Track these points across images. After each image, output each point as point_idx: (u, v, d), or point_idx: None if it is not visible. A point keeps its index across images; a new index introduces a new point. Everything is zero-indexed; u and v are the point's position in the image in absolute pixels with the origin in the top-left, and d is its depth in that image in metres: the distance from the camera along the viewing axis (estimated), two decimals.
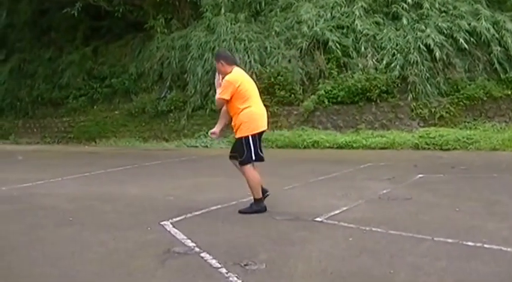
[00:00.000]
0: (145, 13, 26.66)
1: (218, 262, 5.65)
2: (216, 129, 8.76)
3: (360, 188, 10.39)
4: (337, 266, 5.49)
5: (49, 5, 30.08)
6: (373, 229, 6.91)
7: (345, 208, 8.35)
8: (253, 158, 8.29)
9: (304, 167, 14.30)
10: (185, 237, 6.69)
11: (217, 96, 8.39)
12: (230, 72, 8.38)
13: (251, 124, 8.27)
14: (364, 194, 9.61)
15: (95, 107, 27.54)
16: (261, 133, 8.48)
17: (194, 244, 6.37)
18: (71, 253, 6.24)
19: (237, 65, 8.69)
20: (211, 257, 5.83)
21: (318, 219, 7.59)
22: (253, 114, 8.30)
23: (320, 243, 6.41)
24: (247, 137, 8.24)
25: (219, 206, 8.81)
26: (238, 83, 8.21)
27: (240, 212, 8.35)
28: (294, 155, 17.13)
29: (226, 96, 8.22)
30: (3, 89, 31.77)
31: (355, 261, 5.65)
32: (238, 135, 8.36)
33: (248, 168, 8.33)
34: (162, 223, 7.56)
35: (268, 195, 8.53)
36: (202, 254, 5.97)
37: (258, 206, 8.35)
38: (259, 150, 8.35)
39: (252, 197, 8.48)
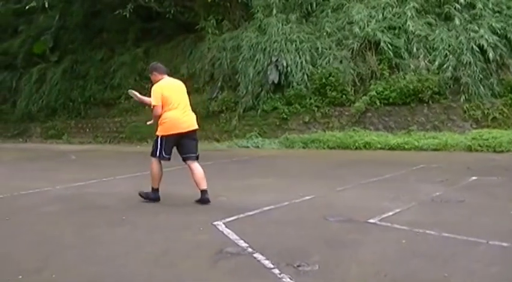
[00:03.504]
0: (196, 14, 26.77)
1: (271, 263, 5.66)
2: (140, 96, 10.32)
3: (413, 190, 10.31)
4: (391, 269, 5.47)
5: (101, 7, 30.42)
6: (427, 232, 6.86)
7: (397, 210, 8.29)
8: (163, 156, 9.45)
9: (356, 168, 14.26)
10: (238, 238, 6.71)
11: (152, 105, 9.53)
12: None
13: (165, 126, 9.41)
14: (417, 196, 9.53)
15: (147, 107, 27.56)
16: (180, 135, 9.47)
17: (247, 245, 6.39)
18: (124, 252, 6.32)
19: (168, 75, 9.91)
20: (264, 258, 5.84)
21: (371, 221, 7.56)
22: (170, 118, 9.39)
23: (373, 245, 6.39)
24: (158, 136, 9.49)
25: (272, 207, 8.79)
26: (160, 90, 9.43)
27: (140, 194, 9.78)
28: (346, 156, 17.05)
29: (157, 102, 9.40)
30: (56, 90, 32.16)
31: (408, 264, 5.62)
32: (156, 133, 9.58)
33: (154, 160, 9.56)
34: (214, 223, 7.58)
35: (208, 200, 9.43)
36: (255, 255, 5.99)
37: (154, 195, 9.69)
38: (163, 153, 9.44)
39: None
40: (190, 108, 9.72)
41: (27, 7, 27.78)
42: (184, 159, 9.64)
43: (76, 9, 32.49)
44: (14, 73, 35.29)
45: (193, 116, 9.71)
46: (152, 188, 9.69)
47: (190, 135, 9.57)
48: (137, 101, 10.71)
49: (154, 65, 10.09)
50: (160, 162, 9.57)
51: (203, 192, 9.38)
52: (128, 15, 25.44)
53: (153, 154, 9.52)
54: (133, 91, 10.37)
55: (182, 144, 9.55)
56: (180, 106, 9.47)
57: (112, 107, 29.22)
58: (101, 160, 18.94)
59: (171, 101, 9.40)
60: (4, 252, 6.53)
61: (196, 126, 9.68)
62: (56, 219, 8.50)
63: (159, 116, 9.43)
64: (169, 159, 9.53)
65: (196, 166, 9.51)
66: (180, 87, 9.81)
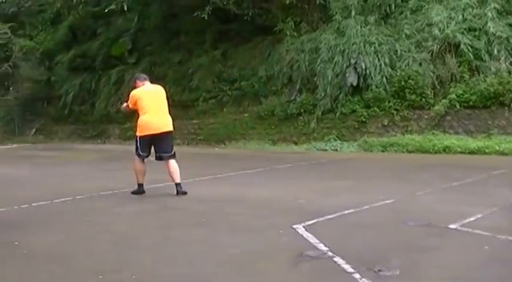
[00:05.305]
0: (273, 16, 26.73)
1: (351, 267, 5.63)
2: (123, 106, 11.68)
3: (494, 194, 10.17)
4: (472, 275, 5.41)
5: (178, 9, 30.66)
6: (509, 238, 6.74)
7: (479, 215, 8.15)
8: (140, 154, 10.79)
9: (436, 172, 14.09)
10: (318, 241, 6.70)
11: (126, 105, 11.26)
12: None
13: (140, 128, 10.78)
14: (499, 201, 9.36)
15: (224, 109, 27.78)
16: (153, 136, 10.76)
17: (327, 248, 6.37)
18: (203, 254, 6.40)
19: (150, 82, 11.48)
20: (344, 262, 5.82)
21: (452, 226, 7.46)
22: (144, 121, 10.77)
23: (454, 251, 6.33)
24: (136, 137, 10.89)
25: (351, 210, 8.75)
26: (136, 96, 10.92)
27: (132, 192, 11.01)
28: (425, 160, 16.89)
29: (130, 105, 11.07)
30: None
31: (490, 271, 5.55)
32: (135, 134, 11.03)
33: (135, 159, 10.90)
34: (294, 226, 7.58)
35: (184, 192, 10.77)
36: (335, 259, 5.97)
37: (138, 190, 10.96)
38: (139, 151, 10.79)
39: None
40: (166, 111, 11.10)
41: (106, 10, 28.36)
42: (158, 158, 10.91)
43: (154, 11, 32.96)
44: (92, 75, 35.84)
45: (167, 119, 11.03)
46: (138, 184, 10.98)
47: (162, 136, 10.79)
48: (126, 109, 11.66)
49: (138, 76, 11.79)
50: (143, 160, 10.88)
51: (177, 185, 10.73)
52: (206, 17, 25.57)
53: (136, 153, 10.86)
54: (119, 105, 11.81)
55: (156, 145, 10.81)
56: (153, 110, 10.81)
57: (190, 109, 29.31)
58: (179, 162, 19.06)
59: (145, 105, 10.77)
60: (85, 252, 6.70)
61: (168, 128, 10.96)
62: (134, 220, 8.69)
63: (129, 111, 11.53)
64: (146, 156, 10.89)
65: (170, 163, 10.79)
66: (158, 93, 11.25)
